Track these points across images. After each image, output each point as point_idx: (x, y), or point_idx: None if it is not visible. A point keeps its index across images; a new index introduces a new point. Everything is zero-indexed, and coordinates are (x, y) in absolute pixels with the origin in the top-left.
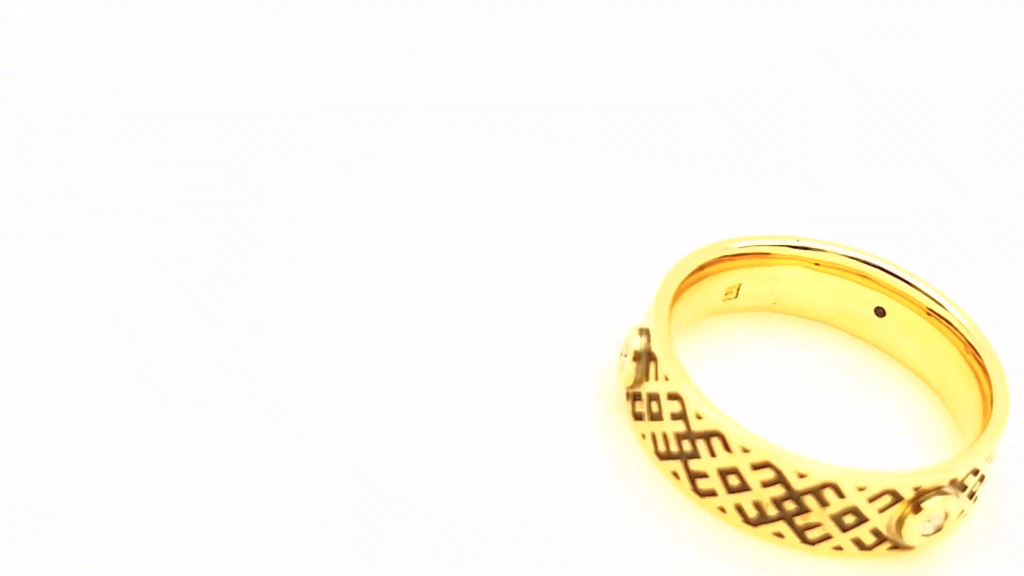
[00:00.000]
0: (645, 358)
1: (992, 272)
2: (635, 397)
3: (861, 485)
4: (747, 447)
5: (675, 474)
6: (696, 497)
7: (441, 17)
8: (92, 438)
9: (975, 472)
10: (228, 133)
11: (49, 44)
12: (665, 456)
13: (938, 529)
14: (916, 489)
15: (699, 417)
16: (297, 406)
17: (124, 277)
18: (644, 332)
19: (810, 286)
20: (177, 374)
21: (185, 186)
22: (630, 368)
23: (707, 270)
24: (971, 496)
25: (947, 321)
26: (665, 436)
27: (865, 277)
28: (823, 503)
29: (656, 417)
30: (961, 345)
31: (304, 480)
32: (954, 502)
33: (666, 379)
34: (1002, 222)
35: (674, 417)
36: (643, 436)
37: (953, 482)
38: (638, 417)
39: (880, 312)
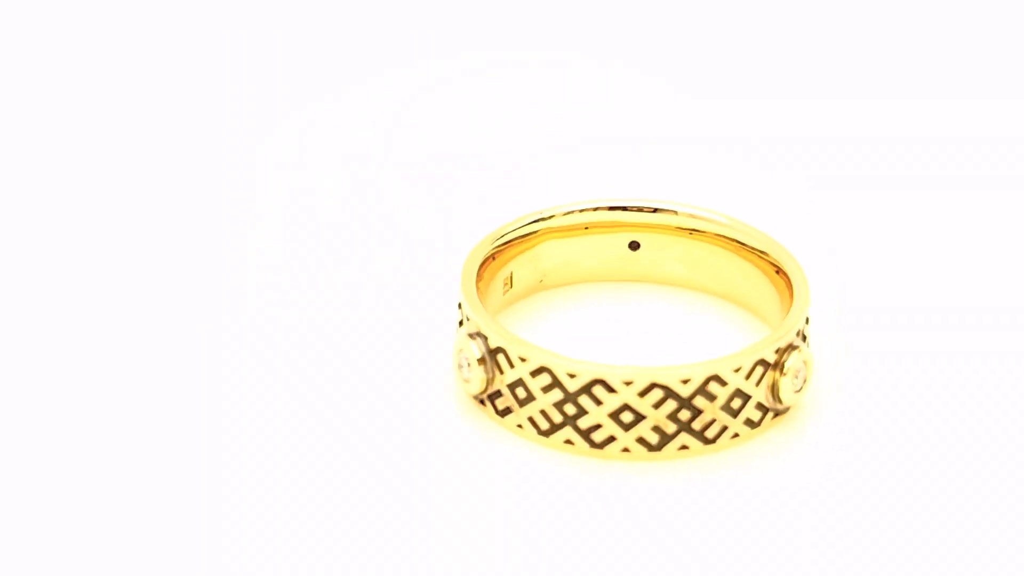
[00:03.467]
0: (489, 359)
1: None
2: (493, 396)
3: (736, 367)
4: (629, 379)
5: (568, 442)
6: (598, 451)
7: None
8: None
9: (806, 324)
10: None
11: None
12: (551, 430)
13: (804, 381)
14: (778, 351)
15: (572, 375)
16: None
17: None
18: (474, 336)
19: (570, 252)
20: None
21: None
22: (478, 373)
23: (485, 267)
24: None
25: (705, 232)
26: (544, 412)
27: (616, 224)
28: (711, 397)
29: (527, 400)
30: (733, 246)
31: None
32: (806, 350)
33: (523, 360)
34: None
35: (546, 389)
36: (519, 426)
37: (798, 334)
38: (505, 412)
39: (634, 246)
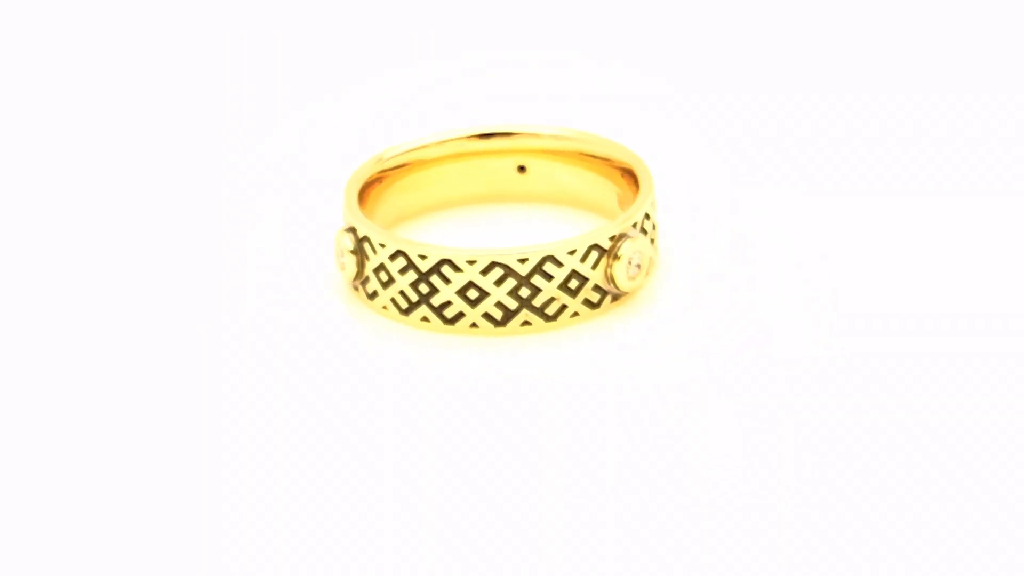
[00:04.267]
0: (358, 248)
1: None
2: (364, 283)
3: (571, 249)
4: (472, 258)
5: (424, 319)
6: (451, 327)
7: None
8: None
9: (647, 218)
10: None
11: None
12: (410, 309)
13: (639, 268)
14: (612, 237)
15: (423, 257)
16: None
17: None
18: (348, 230)
19: (454, 178)
20: None
21: None
22: (350, 260)
23: (369, 188)
24: (652, 242)
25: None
26: (403, 292)
27: (496, 152)
28: (548, 276)
29: (389, 283)
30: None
31: None
32: (643, 240)
33: (382, 246)
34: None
35: (402, 272)
36: (384, 307)
37: (635, 226)
38: (373, 295)
39: (522, 169)
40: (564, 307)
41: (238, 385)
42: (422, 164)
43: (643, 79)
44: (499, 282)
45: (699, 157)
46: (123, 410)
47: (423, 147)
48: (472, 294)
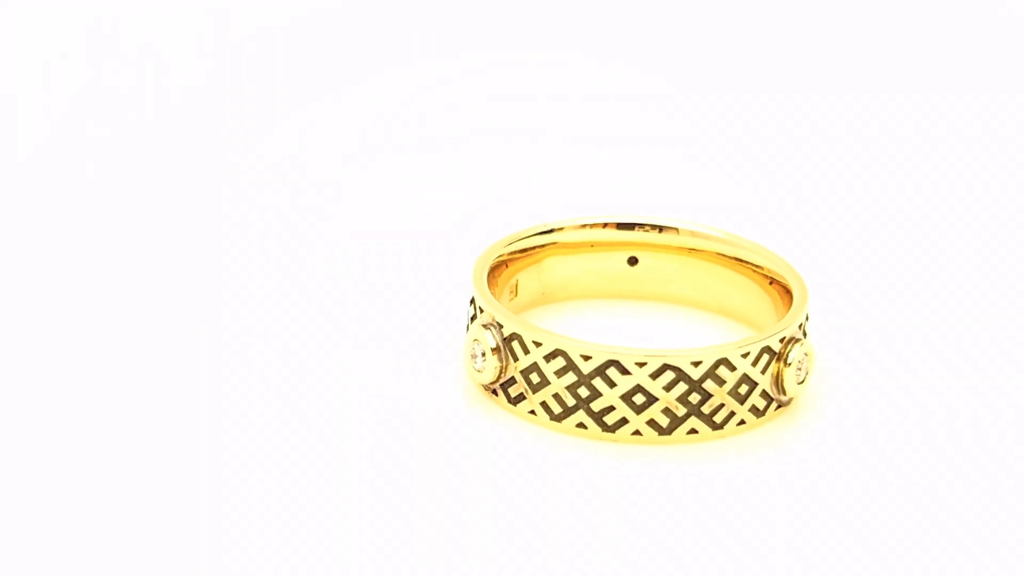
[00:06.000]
0: (504, 346)
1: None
2: (506, 385)
3: (744, 352)
4: (642, 360)
5: (581, 425)
6: (610, 435)
7: None
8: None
9: (806, 321)
10: None
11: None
12: (564, 414)
13: (806, 373)
14: (782, 340)
15: (587, 358)
16: None
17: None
18: (488, 327)
19: (573, 267)
20: None
21: None
22: (492, 361)
23: (496, 270)
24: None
25: (703, 251)
26: (558, 396)
27: (620, 244)
28: (720, 381)
29: (541, 385)
30: (729, 262)
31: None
32: (808, 344)
33: (537, 345)
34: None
35: (559, 373)
36: (532, 412)
37: (799, 327)
38: (518, 400)
39: (633, 261)
40: (732, 414)
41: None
42: (552, 249)
43: (643, 79)
44: (669, 387)
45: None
46: (122, 411)
47: (558, 230)
48: (639, 399)
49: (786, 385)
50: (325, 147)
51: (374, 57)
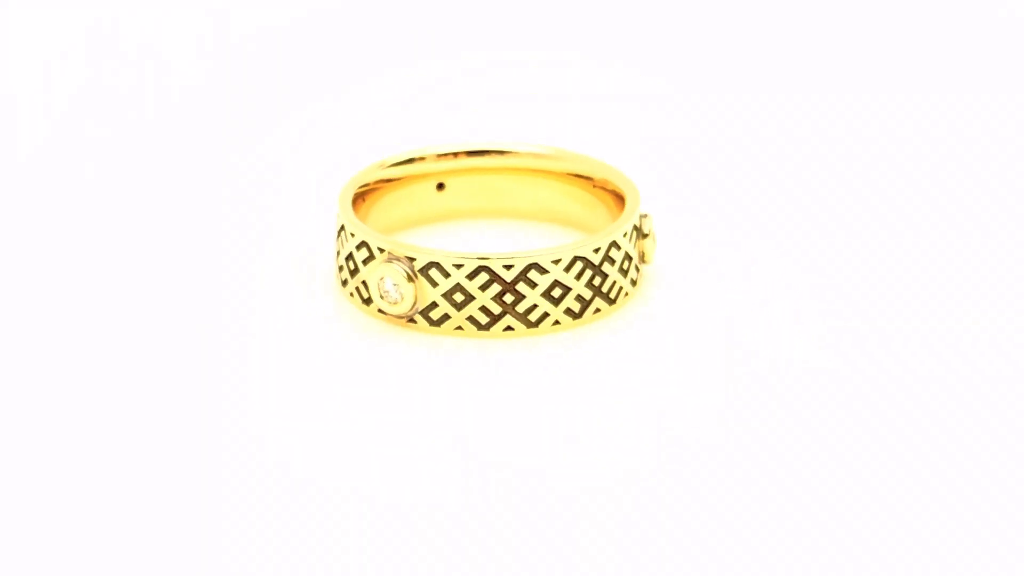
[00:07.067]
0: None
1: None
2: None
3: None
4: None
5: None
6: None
7: None
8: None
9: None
10: None
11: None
12: (490, 323)
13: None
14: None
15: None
16: None
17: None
18: (392, 259)
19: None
20: None
21: None
22: (409, 290)
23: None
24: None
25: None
26: (484, 308)
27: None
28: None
29: (463, 303)
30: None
31: None
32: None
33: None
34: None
35: (483, 287)
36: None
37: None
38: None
39: (440, 187)
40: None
41: (238, 385)
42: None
43: (643, 79)
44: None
45: (683, 162)
46: (122, 411)
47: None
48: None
49: (647, 255)
50: (325, 147)
51: (374, 57)
